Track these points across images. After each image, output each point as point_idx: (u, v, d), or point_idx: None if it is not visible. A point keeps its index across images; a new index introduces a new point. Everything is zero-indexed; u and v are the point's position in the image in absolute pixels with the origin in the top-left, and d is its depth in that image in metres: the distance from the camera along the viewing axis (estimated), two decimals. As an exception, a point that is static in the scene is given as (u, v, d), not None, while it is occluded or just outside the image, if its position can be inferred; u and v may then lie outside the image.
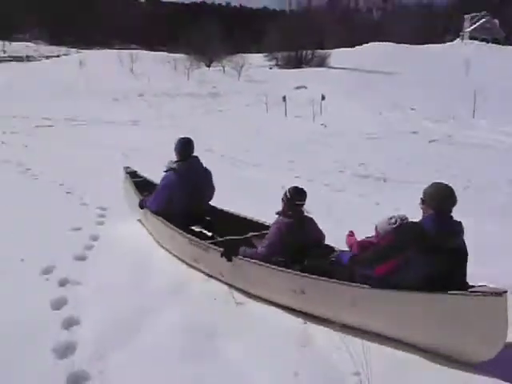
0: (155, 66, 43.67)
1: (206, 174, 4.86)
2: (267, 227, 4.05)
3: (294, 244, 3.64)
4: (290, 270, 3.41)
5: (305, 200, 3.79)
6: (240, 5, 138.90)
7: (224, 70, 41.44)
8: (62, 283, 4.04)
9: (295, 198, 3.72)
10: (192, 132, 13.76)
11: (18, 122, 15.88)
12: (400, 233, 3.14)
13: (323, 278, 3.24)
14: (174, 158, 4.78)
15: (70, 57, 64.23)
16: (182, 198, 4.55)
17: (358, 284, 3.11)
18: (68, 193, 7.19)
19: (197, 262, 4.22)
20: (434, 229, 2.88)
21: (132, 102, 22.17)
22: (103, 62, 47.38)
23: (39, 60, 72.80)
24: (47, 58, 77.37)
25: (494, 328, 2.65)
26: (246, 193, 7.18)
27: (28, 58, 79.01)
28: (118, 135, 13.12)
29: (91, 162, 9.35)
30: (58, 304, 3.69)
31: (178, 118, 17.00)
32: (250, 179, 8.49)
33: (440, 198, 2.99)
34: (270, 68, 55.05)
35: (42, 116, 17.01)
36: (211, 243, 4.09)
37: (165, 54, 57.87)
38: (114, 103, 21.54)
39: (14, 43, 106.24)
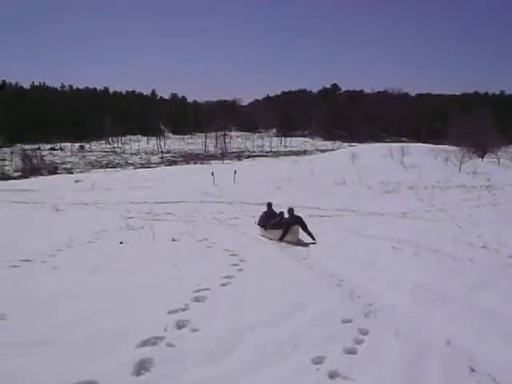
0: (425, 159, 44.47)
1: (275, 213, 13.36)
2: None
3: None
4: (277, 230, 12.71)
5: (293, 211, 12.65)
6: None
7: (499, 162, 39.43)
8: (332, 376, 4.09)
9: (290, 209, 12.70)
10: (461, 225, 13.79)
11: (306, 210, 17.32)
12: (287, 221, 12.66)
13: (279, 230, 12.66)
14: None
15: (342, 150, 70.07)
16: (265, 220, 13.41)
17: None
18: (339, 284, 7.36)
19: (266, 234, 13.12)
20: (289, 219, 12.48)
21: (402, 194, 23.22)
22: (374, 154, 50.62)
23: (314, 153, 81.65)
24: (322, 151, 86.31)
25: (295, 234, 12.23)
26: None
27: (305, 152, 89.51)
28: (387, 227, 13.77)
29: (363, 253, 9.82)
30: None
31: (447, 210, 17.20)
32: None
33: (288, 211, 12.75)
34: (553, 157, 49.72)
35: (314, 206, 18.43)
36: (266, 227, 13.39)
37: (434, 146, 58.39)
38: (384, 195, 22.95)
39: (293, 139, 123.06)
